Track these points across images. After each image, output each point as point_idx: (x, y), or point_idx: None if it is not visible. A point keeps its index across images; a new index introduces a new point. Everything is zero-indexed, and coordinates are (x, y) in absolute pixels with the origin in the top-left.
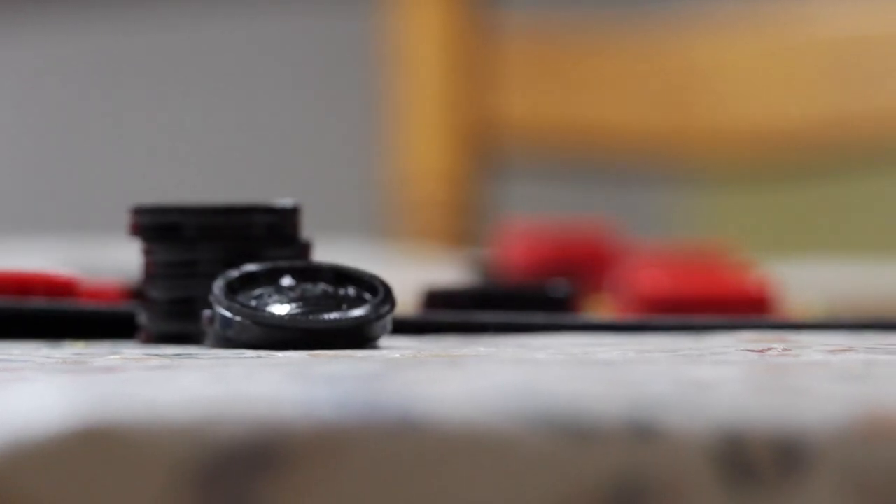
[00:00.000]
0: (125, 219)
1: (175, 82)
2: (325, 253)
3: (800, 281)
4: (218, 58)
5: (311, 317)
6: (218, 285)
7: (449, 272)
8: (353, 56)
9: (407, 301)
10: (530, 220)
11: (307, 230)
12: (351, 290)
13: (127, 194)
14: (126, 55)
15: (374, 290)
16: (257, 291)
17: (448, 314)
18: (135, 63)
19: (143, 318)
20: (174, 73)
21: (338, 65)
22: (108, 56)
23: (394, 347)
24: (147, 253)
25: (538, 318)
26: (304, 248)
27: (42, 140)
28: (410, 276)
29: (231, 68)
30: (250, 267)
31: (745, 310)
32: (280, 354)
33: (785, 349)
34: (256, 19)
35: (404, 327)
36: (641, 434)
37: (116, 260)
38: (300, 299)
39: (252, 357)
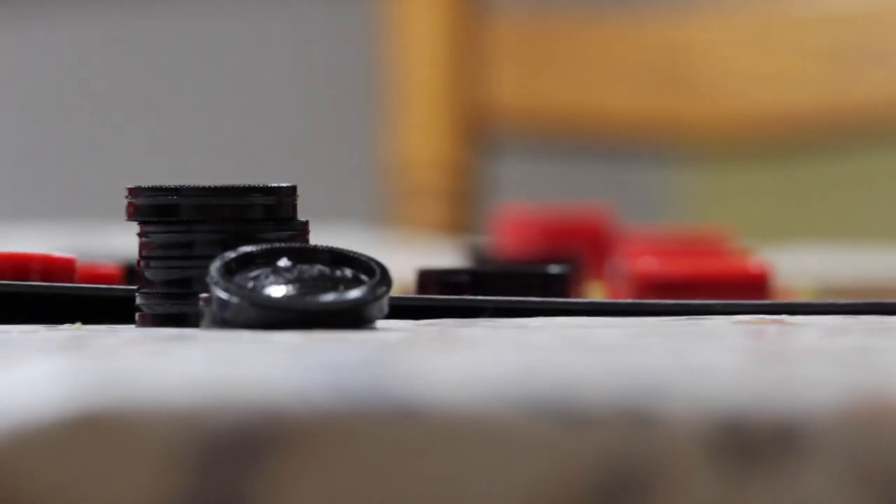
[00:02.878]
0: (124, 207)
1: (172, 71)
2: (321, 239)
3: (793, 266)
4: (217, 45)
5: (307, 298)
6: (215, 267)
7: (446, 259)
8: (351, 44)
9: (405, 287)
10: (527, 207)
11: (304, 218)
12: (347, 272)
13: (127, 182)
14: (126, 41)
15: (371, 271)
16: (254, 273)
17: (445, 296)
18: (134, 49)
19: (140, 299)
20: (173, 61)
21: (335, 53)
22: (108, 42)
23: (390, 329)
24: (144, 234)
25: (534, 300)
26: (302, 230)
27: (42, 127)
28: (408, 263)
29: (229, 56)
30: (247, 248)
31: (743, 292)
32: (276, 337)
33: (781, 333)
34: (253, 7)
35: (401, 309)
36: (638, 419)
37: (115, 247)
38: (297, 281)
39: (249, 341)
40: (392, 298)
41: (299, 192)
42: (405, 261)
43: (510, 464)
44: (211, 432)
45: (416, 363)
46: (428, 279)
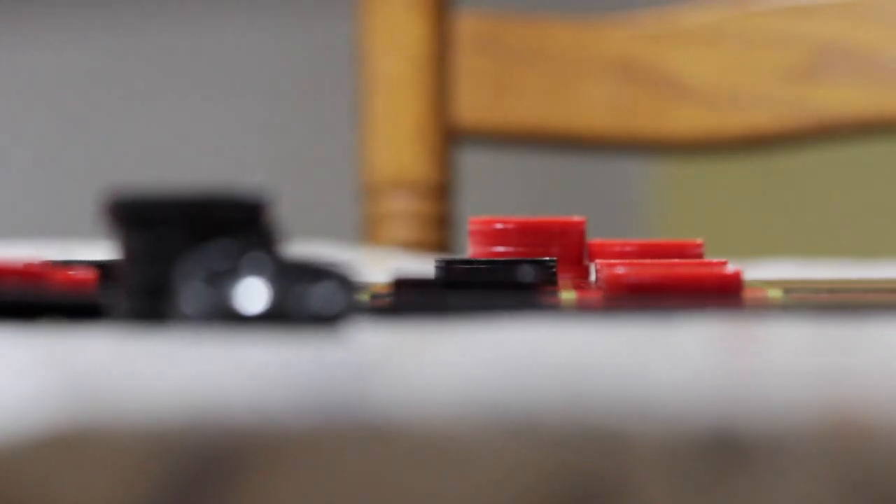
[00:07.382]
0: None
1: (155, 89)
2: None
3: (762, 275)
4: (200, 64)
5: (278, 306)
6: (187, 273)
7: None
8: (334, 63)
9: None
10: (498, 222)
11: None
12: (318, 280)
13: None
14: (105, 58)
15: (341, 279)
16: (226, 280)
17: (416, 299)
18: (114, 65)
19: (115, 303)
20: (155, 79)
21: (318, 72)
22: (88, 61)
23: (359, 342)
24: (119, 239)
25: (505, 302)
26: (276, 238)
27: (34, 143)
28: (383, 277)
29: (207, 75)
30: (219, 256)
31: (715, 296)
32: (247, 351)
33: (752, 344)
34: (243, 25)
35: (372, 315)
36: (608, 438)
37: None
38: (268, 288)
39: (218, 356)
40: (361, 303)
41: (280, 210)
42: (381, 276)
43: (480, 481)
44: (182, 450)
45: (383, 381)
46: (403, 286)
